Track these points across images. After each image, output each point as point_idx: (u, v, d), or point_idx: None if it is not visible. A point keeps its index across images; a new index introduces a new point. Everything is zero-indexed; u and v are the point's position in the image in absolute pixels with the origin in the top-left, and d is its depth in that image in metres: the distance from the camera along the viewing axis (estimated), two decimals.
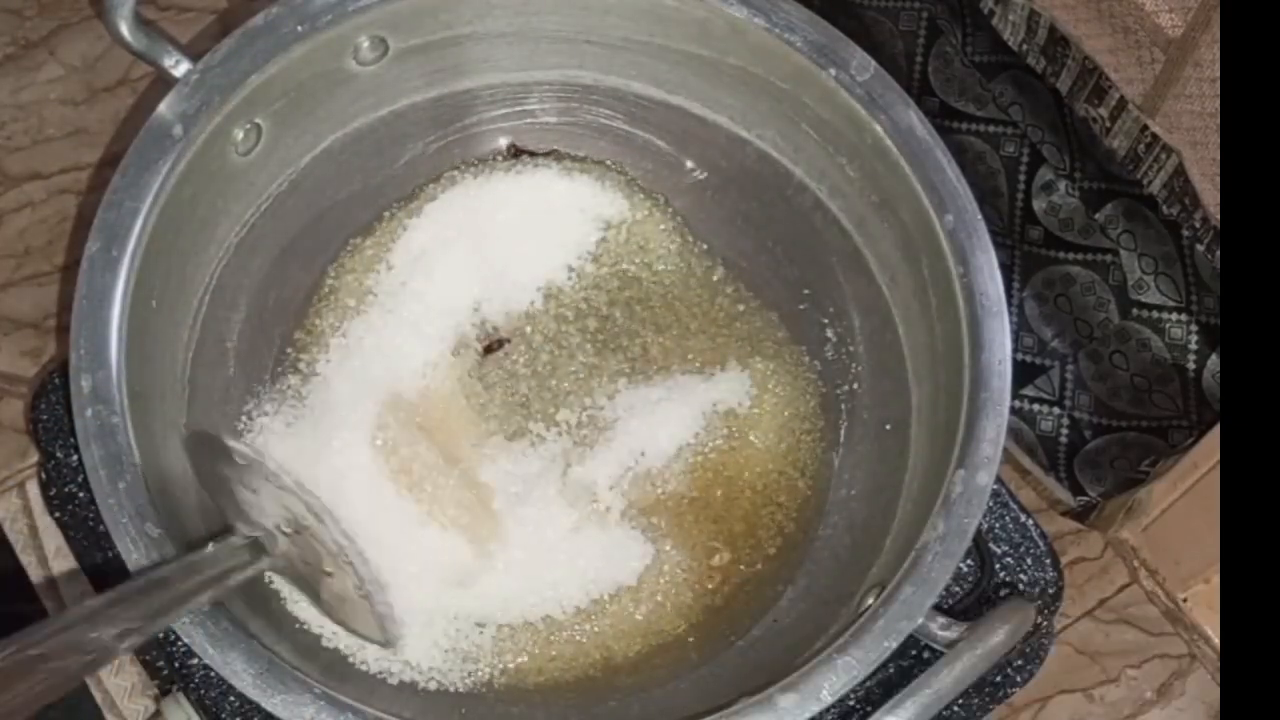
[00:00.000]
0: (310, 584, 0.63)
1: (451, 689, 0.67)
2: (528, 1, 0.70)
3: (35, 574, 0.74)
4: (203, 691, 0.66)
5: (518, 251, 0.74)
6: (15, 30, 0.86)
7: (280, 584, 0.66)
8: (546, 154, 0.76)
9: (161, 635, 0.67)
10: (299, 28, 0.65)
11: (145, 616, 0.55)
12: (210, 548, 0.60)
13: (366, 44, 0.68)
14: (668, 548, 0.70)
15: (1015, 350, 0.68)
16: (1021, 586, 0.70)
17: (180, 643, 0.59)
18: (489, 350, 0.72)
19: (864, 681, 0.58)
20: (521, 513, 0.69)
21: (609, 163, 0.77)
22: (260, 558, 0.61)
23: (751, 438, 0.72)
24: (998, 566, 0.70)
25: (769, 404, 0.72)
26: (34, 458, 0.74)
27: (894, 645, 0.57)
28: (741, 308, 0.75)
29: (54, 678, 0.51)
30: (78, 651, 0.52)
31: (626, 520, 0.70)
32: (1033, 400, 0.76)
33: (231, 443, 0.60)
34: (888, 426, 0.69)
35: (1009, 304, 0.63)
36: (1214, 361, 0.71)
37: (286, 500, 0.60)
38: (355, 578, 0.60)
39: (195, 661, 0.66)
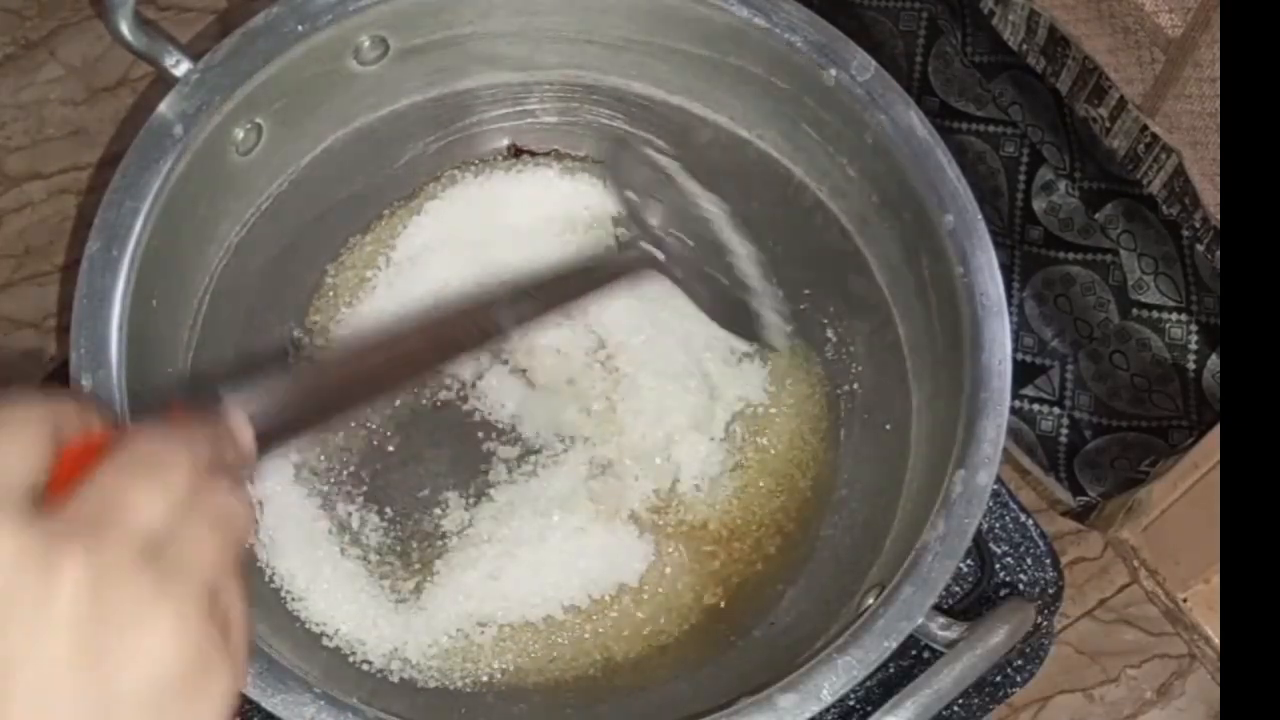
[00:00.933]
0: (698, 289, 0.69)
1: (451, 688, 0.67)
2: (528, 1, 0.70)
3: None
4: None
5: (520, 252, 0.74)
6: (15, 30, 0.86)
7: (281, 582, 0.66)
8: (547, 153, 0.76)
9: None
10: (299, 28, 0.65)
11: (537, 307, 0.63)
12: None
13: (367, 44, 0.68)
14: (669, 548, 0.70)
15: (1015, 350, 0.68)
16: (1021, 586, 0.70)
17: None
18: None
19: (864, 681, 0.58)
20: (526, 512, 0.69)
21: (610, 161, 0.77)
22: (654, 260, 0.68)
23: (761, 439, 0.72)
24: (998, 566, 0.70)
25: (787, 402, 0.73)
26: None
27: (894, 645, 0.57)
28: None
29: None
30: None
31: (631, 521, 0.70)
32: (1033, 400, 0.76)
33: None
34: (888, 426, 0.69)
35: (1009, 304, 0.63)
36: (1214, 361, 0.71)
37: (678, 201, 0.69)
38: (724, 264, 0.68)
39: None
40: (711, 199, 0.71)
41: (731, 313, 0.70)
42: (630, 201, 0.71)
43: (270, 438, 0.47)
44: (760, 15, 0.66)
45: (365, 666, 0.66)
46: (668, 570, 0.70)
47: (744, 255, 0.70)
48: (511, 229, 0.74)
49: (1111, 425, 0.74)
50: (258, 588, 0.65)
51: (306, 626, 0.66)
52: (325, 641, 0.66)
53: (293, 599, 0.66)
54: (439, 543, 0.70)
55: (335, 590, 0.67)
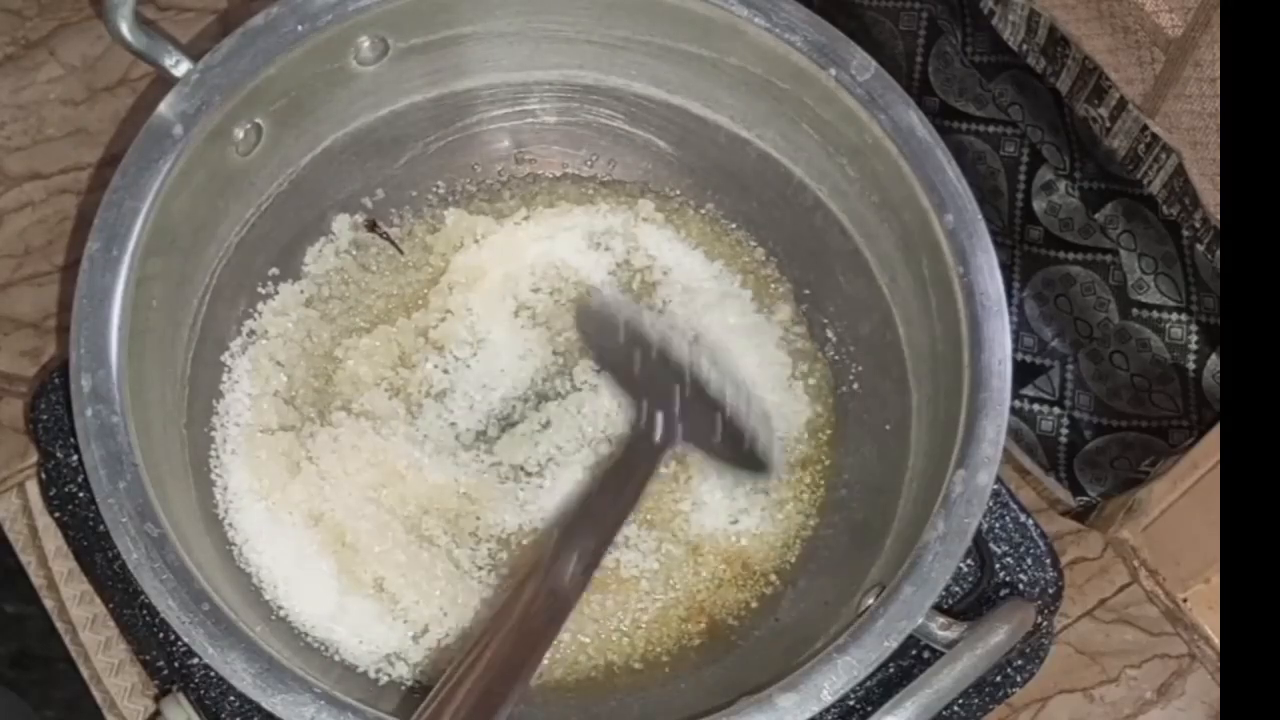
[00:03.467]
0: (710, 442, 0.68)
1: None
2: (528, 1, 0.70)
3: (35, 574, 0.74)
4: (203, 691, 0.66)
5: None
6: (15, 30, 0.86)
7: (282, 579, 0.66)
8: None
9: (161, 635, 0.67)
10: (299, 28, 0.65)
11: (598, 540, 0.63)
12: (621, 453, 0.67)
13: (367, 44, 0.68)
14: (670, 547, 0.70)
15: (1015, 350, 0.68)
16: (1021, 586, 0.70)
17: (180, 643, 0.59)
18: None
19: (864, 681, 0.58)
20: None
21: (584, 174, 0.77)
22: (674, 435, 0.67)
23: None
24: (998, 566, 0.70)
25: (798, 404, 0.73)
26: (34, 458, 0.74)
27: (894, 645, 0.57)
28: None
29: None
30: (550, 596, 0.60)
31: (634, 521, 0.70)
32: (1033, 400, 0.76)
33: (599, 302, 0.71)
34: (888, 426, 0.69)
35: (1009, 304, 0.63)
36: (1214, 361, 0.71)
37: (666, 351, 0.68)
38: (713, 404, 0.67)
39: (195, 661, 0.66)
40: (681, 335, 0.70)
41: (737, 455, 0.69)
42: (619, 373, 0.70)
43: None
44: (760, 15, 0.66)
45: (364, 667, 0.66)
46: (668, 569, 0.70)
47: (732, 386, 0.69)
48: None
49: (1111, 425, 0.74)
50: (248, 589, 0.65)
51: (306, 627, 0.66)
52: (325, 642, 0.66)
53: (294, 599, 0.66)
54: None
55: (332, 593, 0.67)
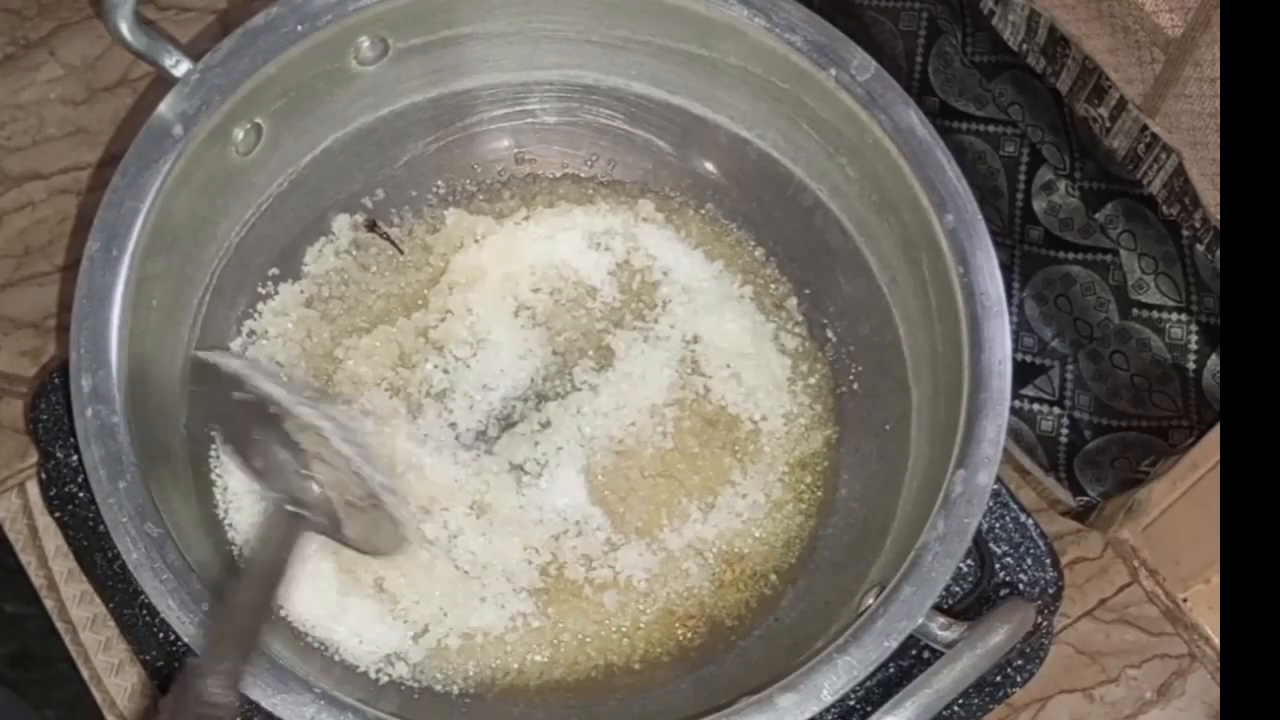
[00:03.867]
0: (346, 534, 0.64)
1: (453, 689, 0.67)
2: (528, 1, 0.70)
3: (35, 574, 0.74)
4: None
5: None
6: (15, 30, 0.86)
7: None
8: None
9: (161, 635, 0.67)
10: (299, 28, 0.65)
11: (239, 650, 0.56)
12: (254, 541, 0.61)
13: (367, 44, 0.68)
14: (670, 548, 0.70)
15: (1015, 350, 0.68)
16: (1021, 586, 0.70)
17: (180, 643, 0.59)
18: None
19: (864, 681, 0.58)
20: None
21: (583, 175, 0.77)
22: (301, 522, 0.62)
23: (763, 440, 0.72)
24: (998, 566, 0.70)
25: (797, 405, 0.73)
26: (34, 458, 0.74)
27: (894, 645, 0.57)
28: None
29: None
30: None
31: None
32: (1033, 400, 0.76)
33: (214, 359, 0.63)
34: (888, 426, 0.69)
35: (1009, 304, 0.63)
36: (1214, 361, 0.71)
37: (295, 434, 0.61)
38: (361, 487, 0.62)
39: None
40: (307, 415, 0.62)
41: (372, 530, 0.64)
42: (246, 461, 0.65)
43: None
44: (760, 15, 0.66)
45: (364, 667, 0.66)
46: (669, 570, 0.70)
47: (362, 461, 0.62)
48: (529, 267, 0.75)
49: (1111, 425, 0.74)
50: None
51: (306, 627, 0.66)
52: (325, 643, 0.66)
53: (293, 600, 0.66)
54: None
55: (332, 593, 0.67)
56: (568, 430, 0.71)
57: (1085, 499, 0.75)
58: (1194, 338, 0.71)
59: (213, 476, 0.68)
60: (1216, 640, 0.74)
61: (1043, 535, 0.70)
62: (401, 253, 0.75)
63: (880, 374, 0.71)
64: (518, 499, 0.70)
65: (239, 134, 0.66)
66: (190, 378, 0.66)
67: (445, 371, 0.72)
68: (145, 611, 0.67)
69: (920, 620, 0.58)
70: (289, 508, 0.62)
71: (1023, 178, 0.74)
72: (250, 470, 0.65)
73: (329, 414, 0.62)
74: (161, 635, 0.67)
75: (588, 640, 0.68)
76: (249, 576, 0.61)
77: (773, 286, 0.75)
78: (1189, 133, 0.63)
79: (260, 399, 0.62)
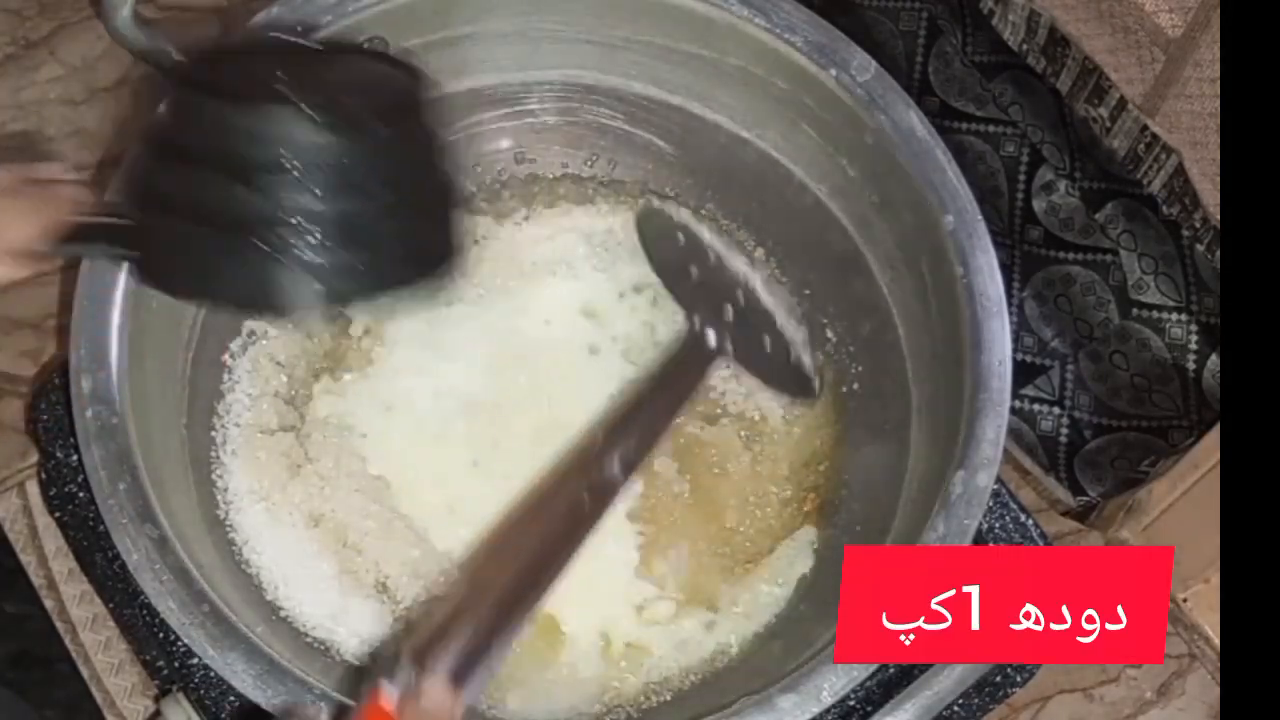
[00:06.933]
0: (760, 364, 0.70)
1: None
2: (528, 1, 0.70)
3: (35, 574, 0.74)
4: (203, 691, 0.65)
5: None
6: (15, 30, 0.86)
7: (282, 580, 0.66)
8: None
9: (161, 635, 0.67)
10: (299, 28, 0.65)
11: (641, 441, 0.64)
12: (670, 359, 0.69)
13: (366, 44, 0.68)
14: (671, 549, 0.70)
15: (1015, 350, 0.67)
16: None
17: (180, 643, 0.59)
18: None
19: (864, 682, 0.58)
20: None
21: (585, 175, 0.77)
22: (711, 354, 0.69)
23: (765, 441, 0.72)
24: None
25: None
26: (34, 458, 0.74)
27: None
28: None
29: None
30: None
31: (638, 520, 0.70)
32: (1033, 400, 0.76)
33: (668, 209, 0.73)
34: (888, 426, 0.69)
35: (1009, 304, 0.63)
36: (1214, 361, 0.71)
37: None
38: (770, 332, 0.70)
39: (195, 661, 0.65)
40: (740, 259, 0.72)
41: (783, 374, 0.71)
42: (673, 283, 0.72)
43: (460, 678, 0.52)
44: (760, 15, 0.66)
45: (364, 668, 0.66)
46: (670, 570, 0.70)
47: (783, 311, 0.71)
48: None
49: (1111, 425, 0.74)
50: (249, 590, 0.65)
51: (306, 627, 0.66)
52: (325, 642, 0.66)
53: (293, 599, 0.66)
54: None
55: (333, 593, 0.67)
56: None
57: (1085, 499, 0.75)
58: (1194, 338, 0.72)
59: (213, 477, 0.68)
60: (1216, 640, 0.74)
61: (1043, 535, 0.70)
62: None
63: (880, 374, 0.71)
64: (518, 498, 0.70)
65: None
66: (639, 221, 0.74)
67: None
68: (145, 611, 0.67)
69: None
70: (709, 330, 0.69)
71: (1023, 178, 0.74)
72: (674, 293, 0.72)
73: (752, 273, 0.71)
74: (161, 635, 0.67)
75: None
76: (663, 387, 0.67)
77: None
78: (1189, 133, 0.63)
79: (702, 245, 0.71)
